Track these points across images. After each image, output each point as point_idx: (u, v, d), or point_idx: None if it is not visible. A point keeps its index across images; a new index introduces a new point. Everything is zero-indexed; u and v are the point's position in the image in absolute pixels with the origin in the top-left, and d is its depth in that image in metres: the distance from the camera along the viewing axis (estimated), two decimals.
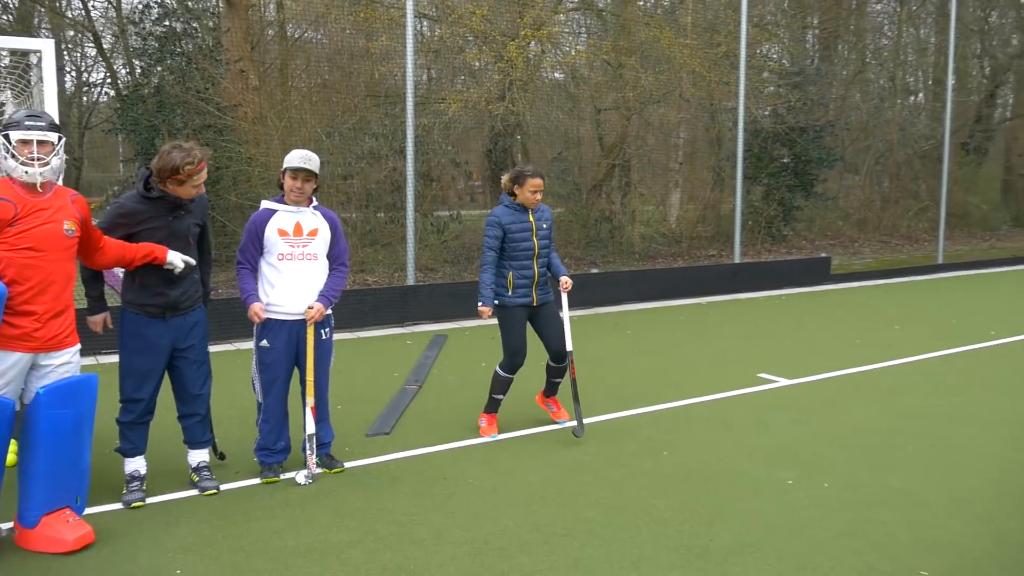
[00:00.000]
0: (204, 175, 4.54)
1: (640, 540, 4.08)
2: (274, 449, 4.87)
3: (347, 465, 5.07)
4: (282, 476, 4.86)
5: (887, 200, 21.58)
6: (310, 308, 4.77)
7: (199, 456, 4.81)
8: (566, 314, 5.86)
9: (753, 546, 4.01)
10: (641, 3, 17.59)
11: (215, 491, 4.65)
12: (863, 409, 6.39)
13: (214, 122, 12.19)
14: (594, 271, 12.86)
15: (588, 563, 3.84)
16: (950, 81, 16.72)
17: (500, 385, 5.84)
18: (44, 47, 4.94)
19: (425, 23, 15.52)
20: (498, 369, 5.85)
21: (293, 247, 4.76)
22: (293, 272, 4.76)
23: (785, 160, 17.63)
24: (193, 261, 4.57)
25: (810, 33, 21.96)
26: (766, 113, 17.15)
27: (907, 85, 24.08)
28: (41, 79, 5.11)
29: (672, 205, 17.84)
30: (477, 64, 14.49)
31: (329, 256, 4.94)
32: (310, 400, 4.82)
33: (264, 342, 4.78)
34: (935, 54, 23.54)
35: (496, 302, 5.69)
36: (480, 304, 5.66)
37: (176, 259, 4.45)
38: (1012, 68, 24.71)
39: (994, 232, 22.48)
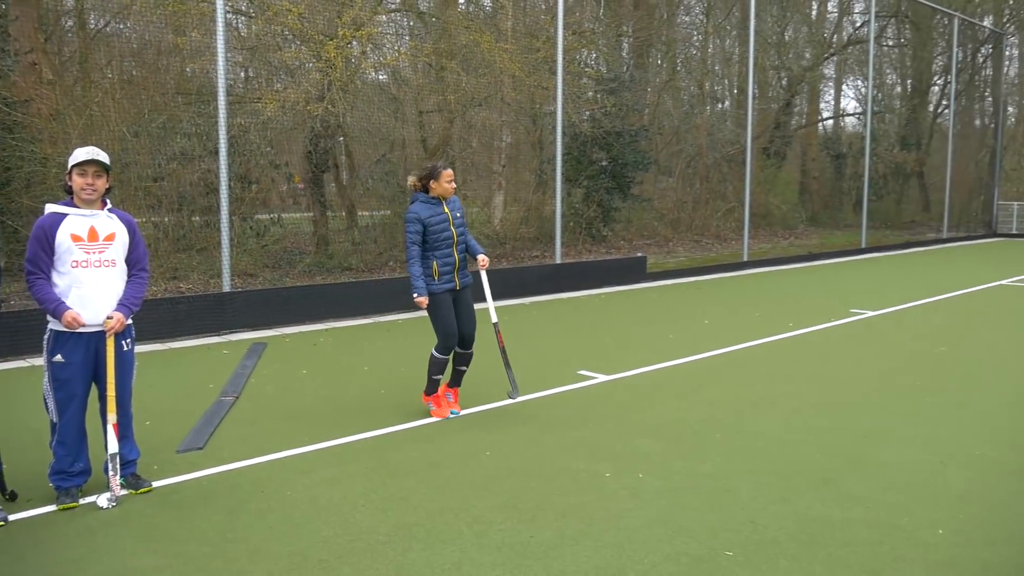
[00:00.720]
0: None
1: (462, 541, 4.08)
2: (71, 472, 4.50)
3: (155, 484, 4.77)
4: (82, 500, 4.51)
5: (698, 201, 22.81)
6: (109, 318, 4.45)
7: None
8: (487, 288, 6.37)
9: (572, 539, 4.10)
10: (462, 6, 17.70)
11: (3, 523, 4.24)
12: (676, 401, 6.69)
13: (2, 119, 11.21)
14: None
15: (411, 568, 3.80)
16: (751, 90, 17.88)
17: (437, 367, 6.21)
18: None
19: (241, 19, 14.92)
20: (434, 352, 6.19)
21: (89, 253, 4.42)
22: (89, 280, 4.42)
23: (603, 163, 18.27)
24: None
25: (625, 41, 22.86)
26: (584, 117, 17.70)
27: (714, 93, 25.58)
28: None
29: (496, 207, 18.07)
30: (295, 63, 14.09)
31: (128, 261, 4.63)
32: (112, 417, 4.49)
33: (58, 357, 4.40)
34: (738, 65, 25.12)
35: (418, 292, 6.03)
36: (416, 295, 6.00)
37: None
38: (805, 79, 26.76)
39: (792, 230, 24.27)
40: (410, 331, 9.84)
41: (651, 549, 4.00)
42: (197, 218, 12.82)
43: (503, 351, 6.38)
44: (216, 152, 11.88)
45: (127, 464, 4.67)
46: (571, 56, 17.33)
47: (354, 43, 13.87)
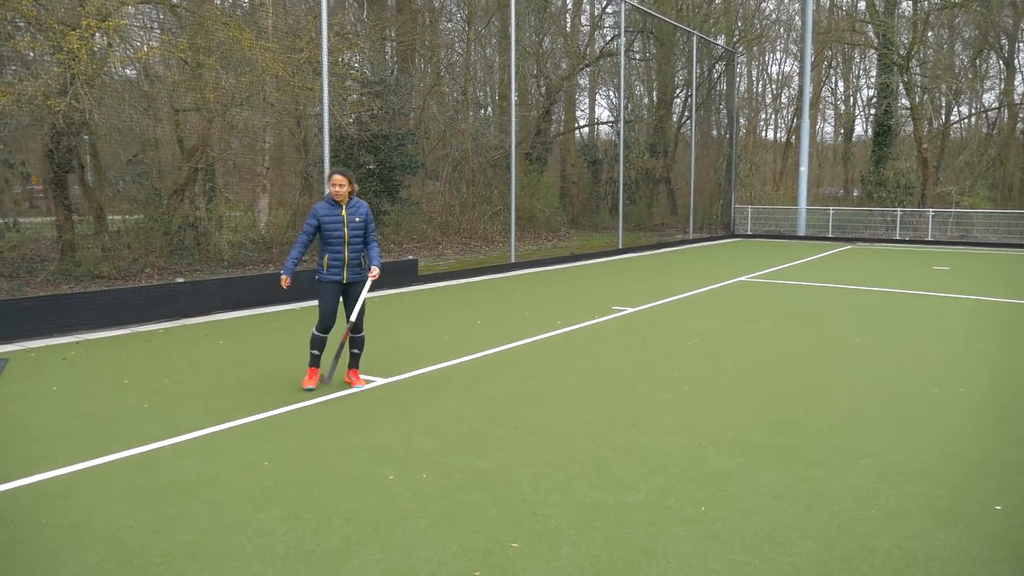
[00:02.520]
0: None
1: (244, 556, 3.95)
2: None
3: None
4: None
5: (465, 205, 23.30)
6: None
7: None
8: (364, 294, 7.15)
9: (359, 544, 4.09)
10: (219, 2, 16.95)
11: None
12: (453, 400, 6.82)
13: None
14: (179, 280, 12.14)
15: None
16: (513, 97, 18.53)
17: (318, 343, 7.14)
18: None
19: None
20: (314, 330, 7.11)
21: None
22: None
23: (371, 166, 18.21)
24: None
25: (388, 45, 22.92)
26: (351, 120, 17.55)
27: (478, 99, 26.22)
28: None
29: (261, 210, 17.47)
30: (31, 54, 12.87)
31: None
32: None
33: None
34: (500, 72, 25.94)
35: (316, 277, 7.05)
36: (282, 273, 7.04)
37: None
38: (563, 88, 28.11)
39: (555, 233, 25.42)
40: (174, 340, 9.30)
41: (439, 548, 4.06)
42: None
43: (342, 345, 7.33)
44: None
45: None
46: (335, 58, 17.12)
47: (99, 35, 12.89)
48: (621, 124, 23.19)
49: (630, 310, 11.75)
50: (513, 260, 17.81)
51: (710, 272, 17.24)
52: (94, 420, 6.14)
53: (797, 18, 40.43)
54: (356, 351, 7.31)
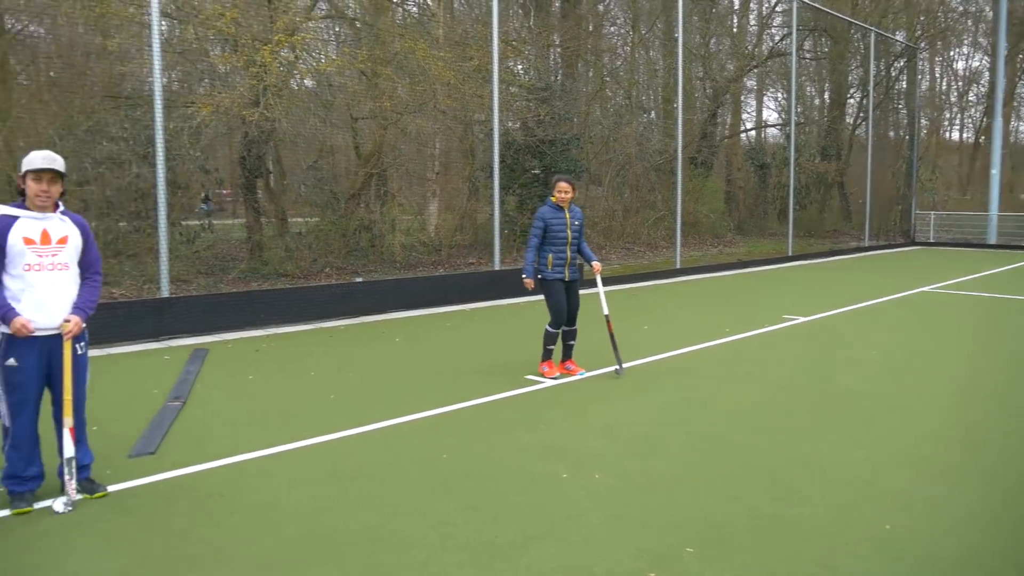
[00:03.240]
0: None
1: (428, 542, 4.12)
2: (25, 476, 4.41)
3: (110, 488, 4.70)
4: (36, 505, 4.43)
5: (628, 210, 23.19)
6: (67, 322, 4.38)
7: None
8: (600, 288, 8.12)
9: (535, 538, 4.18)
10: (392, 14, 17.68)
11: None
12: (623, 403, 6.84)
13: None
14: (358, 280, 12.76)
15: (379, 569, 3.83)
16: (679, 100, 18.31)
17: (550, 339, 7.76)
18: None
19: (166, 23, 14.62)
20: (547, 327, 7.75)
21: (41, 256, 4.34)
22: (42, 283, 4.34)
23: (536, 171, 18.45)
24: None
25: (553, 51, 23.15)
26: (517, 126, 17.87)
27: (641, 103, 26.06)
28: None
29: (431, 214, 18.08)
30: (223, 68, 13.89)
31: (81, 265, 4.56)
32: (68, 421, 4.42)
33: (11, 361, 4.31)
34: (663, 75, 25.67)
35: (539, 276, 7.63)
36: (524, 276, 7.64)
37: None
38: (729, 90, 27.49)
39: (721, 239, 24.87)
40: (354, 336, 9.81)
41: (613, 547, 4.09)
42: (124, 223, 12.53)
43: (612, 336, 8.03)
44: (146, 157, 11.66)
45: (82, 468, 4.59)
46: (502, 65, 17.49)
47: (287, 49, 13.75)
48: (791, 126, 22.45)
49: (802, 319, 11.36)
50: (678, 266, 17.59)
51: (889, 281, 16.38)
52: (286, 408, 6.58)
53: (988, 9, 37.73)
54: (572, 342, 7.93)
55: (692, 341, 9.60)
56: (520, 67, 20.47)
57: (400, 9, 18.19)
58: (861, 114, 29.65)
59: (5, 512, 4.37)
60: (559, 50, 23.03)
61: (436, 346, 9.35)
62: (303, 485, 4.87)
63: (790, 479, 5.05)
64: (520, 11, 22.16)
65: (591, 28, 25.01)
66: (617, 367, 7.84)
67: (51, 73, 13.16)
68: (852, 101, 31.10)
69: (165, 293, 9.73)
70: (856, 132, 30.39)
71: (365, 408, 6.58)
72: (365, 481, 4.95)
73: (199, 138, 13.43)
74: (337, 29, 18.01)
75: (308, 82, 15.65)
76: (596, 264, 7.74)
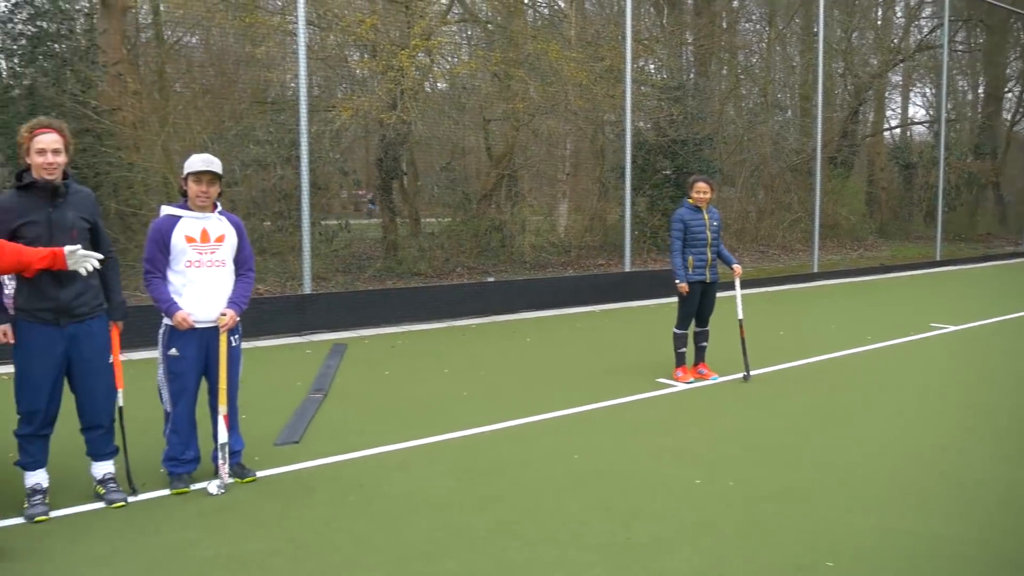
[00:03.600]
0: (49, 141, 4.23)
1: (560, 541, 4.14)
2: (183, 459, 4.72)
3: (258, 474, 4.95)
4: (192, 486, 4.73)
5: (762, 211, 22.57)
6: (223, 315, 4.66)
7: (104, 468, 4.63)
8: (739, 292, 7.91)
9: (668, 542, 4.13)
10: (526, 16, 17.84)
11: (123, 503, 4.49)
12: (757, 410, 6.67)
13: (92, 126, 11.63)
14: (490, 279, 12.95)
15: (512, 565, 3.87)
16: (819, 97, 17.68)
17: (680, 342, 7.66)
18: None
19: (310, 30, 15.24)
20: (675, 329, 7.66)
21: (201, 254, 4.62)
22: (202, 279, 4.63)
23: (667, 172, 18.21)
24: (98, 257, 4.26)
25: (686, 49, 22.78)
26: (648, 126, 17.68)
27: (777, 101, 25.28)
28: None
29: (560, 215, 18.13)
30: (361, 73, 14.37)
31: (236, 261, 4.83)
32: (222, 408, 4.70)
33: (173, 351, 4.62)
34: (801, 72, 24.82)
35: (676, 281, 7.47)
36: (677, 281, 7.47)
37: (78, 259, 4.19)
38: (872, 86, 26.30)
39: (862, 242, 23.83)
40: (485, 335, 9.97)
41: (749, 556, 3.99)
42: (268, 223, 13.15)
43: (743, 342, 7.80)
44: (289, 159, 12.20)
45: (234, 454, 4.86)
46: (634, 64, 17.33)
47: (423, 53, 14.09)
48: (941, 123, 21.31)
49: (952, 328, 10.74)
50: (815, 270, 16.99)
51: None
52: (421, 403, 6.76)
53: None
54: (704, 344, 7.82)
55: (830, 348, 9.25)
56: (652, 66, 20.26)
57: (531, 11, 18.36)
58: (1021, 109, 27.81)
59: (165, 491, 4.69)
60: (692, 48, 22.66)
61: (566, 346, 9.39)
62: (438, 479, 4.99)
63: (935, 497, 4.78)
64: (652, 9, 21.91)
65: (725, 25, 24.48)
66: (745, 373, 7.68)
67: (204, 81, 13.96)
68: (1010, 95, 29.19)
69: (307, 290, 10.17)
70: (1015, 128, 28.51)
71: (497, 406, 6.67)
72: (497, 477, 5.02)
73: (339, 141, 13.94)
74: (470, 32, 18.35)
75: (441, 85, 16.01)
76: (737, 267, 7.67)
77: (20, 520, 4.28)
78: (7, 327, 4.33)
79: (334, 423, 6.15)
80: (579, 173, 18.89)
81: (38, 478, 4.41)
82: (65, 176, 4.34)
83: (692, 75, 21.38)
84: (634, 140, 16.31)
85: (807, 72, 23.92)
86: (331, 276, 12.96)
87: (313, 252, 12.69)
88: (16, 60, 12.07)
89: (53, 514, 4.35)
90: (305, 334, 9.71)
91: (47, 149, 4.21)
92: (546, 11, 19.17)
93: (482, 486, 4.87)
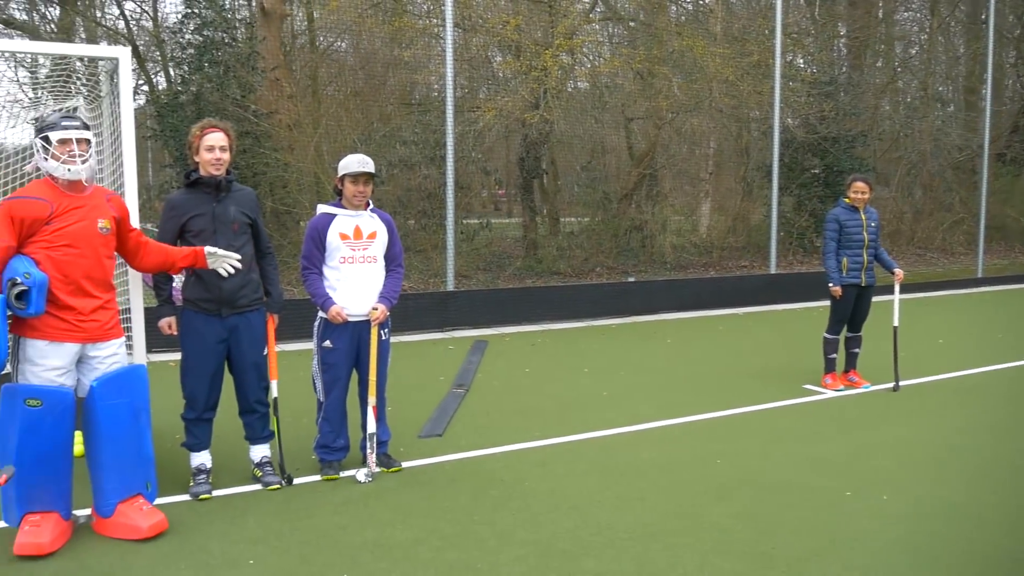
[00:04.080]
0: (217, 139, 4.55)
1: (702, 546, 4.06)
2: (334, 447, 4.92)
3: (404, 465, 5.11)
4: (341, 474, 4.92)
5: (919, 212, 21.38)
6: (375, 309, 4.83)
7: (261, 452, 4.91)
8: (897, 297, 7.49)
9: (816, 554, 3.97)
10: (672, 13, 17.58)
11: (278, 486, 4.74)
12: (913, 422, 6.33)
13: (252, 129, 12.30)
14: (630, 280, 12.86)
15: (653, 567, 3.83)
16: (988, 90, 16.58)
17: (830, 347, 7.39)
18: (121, 55, 4.96)
19: (456, 32, 15.56)
20: (825, 334, 7.43)
21: (354, 250, 4.81)
22: (354, 274, 4.82)
23: (816, 170, 17.53)
24: (236, 258, 4.51)
25: (838, 42, 21.85)
26: (796, 123, 17.06)
27: (939, 94, 23.86)
28: (115, 86, 5.15)
29: (702, 215, 17.78)
30: (503, 73, 14.55)
31: (386, 257, 4.99)
32: (372, 400, 4.87)
33: (327, 343, 4.83)
34: (968, 63, 23.34)
35: (830, 284, 7.26)
36: (830, 285, 7.22)
37: (218, 259, 4.45)
38: None
39: None
40: (625, 336, 9.90)
41: (901, 574, 3.80)
42: (412, 221, 13.52)
43: (896, 350, 7.48)
44: (433, 159, 12.50)
45: (381, 444, 5.03)
46: (783, 59, 16.77)
47: (565, 53, 14.12)
48: None
49: None
50: (980, 275, 15.94)
51: None
52: (562, 401, 6.79)
53: None
54: (856, 350, 7.52)
55: (994, 359, 8.65)
56: (801, 60, 19.54)
57: (675, 6, 18.07)
58: None
59: (316, 477, 4.91)
60: (845, 40, 21.72)
61: (708, 349, 9.20)
62: (578, 477, 4.99)
63: None
64: (803, 1, 21.15)
65: (881, 15, 23.33)
66: (895, 383, 7.33)
67: (354, 84, 14.50)
68: None
69: (450, 287, 10.40)
70: None
71: (637, 407, 6.61)
72: (638, 479, 4.97)
73: (482, 141, 14.18)
74: (612, 30, 18.25)
75: (583, 84, 16.00)
76: (899, 271, 7.33)
77: (186, 497, 4.59)
78: (171, 319, 4.65)
79: (476, 418, 6.27)
80: (722, 172, 18.46)
81: (202, 459, 4.73)
82: (228, 174, 4.63)
83: (845, 69, 20.47)
84: (781, 137, 15.81)
85: (973, 63, 22.48)
86: (472, 274, 13.19)
87: (455, 250, 13.03)
88: (184, 68, 12.92)
89: (215, 493, 4.65)
90: (447, 330, 9.93)
91: (215, 146, 4.54)
92: (690, 7, 18.84)
93: (622, 486, 4.84)
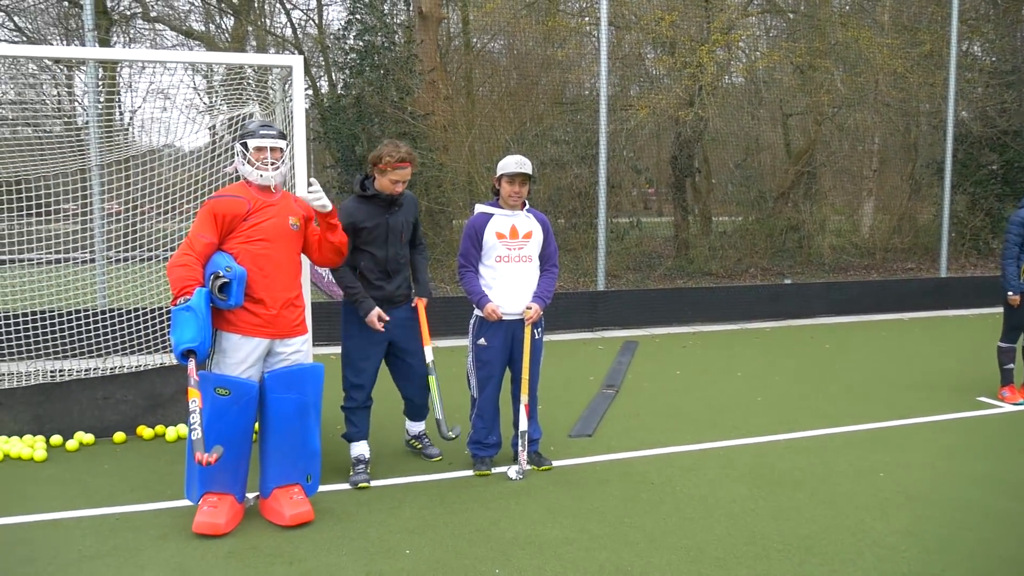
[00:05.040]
0: (405, 174, 4.78)
1: (863, 563, 3.89)
2: (486, 443, 5.03)
3: (554, 463, 5.15)
4: (493, 470, 5.02)
5: None
6: (529, 308, 4.90)
7: (418, 427, 5.29)
8: None
9: None
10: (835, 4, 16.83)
11: (439, 457, 5.10)
12: None
13: (409, 130, 12.69)
14: (787, 282, 12.45)
15: None
16: None
17: (1006, 357, 6.85)
18: (294, 63, 5.26)
19: (608, 30, 15.49)
20: (1000, 343, 6.87)
21: (510, 249, 4.89)
22: (510, 273, 4.90)
23: (994, 167, 16.36)
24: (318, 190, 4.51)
25: (1022, 28, 20.28)
26: (972, 116, 15.98)
27: None
28: (287, 93, 5.47)
29: (864, 215, 16.95)
30: (656, 70, 14.36)
31: (541, 257, 5.05)
32: (524, 398, 4.94)
33: (482, 340, 4.94)
34: None
35: (1009, 293, 6.64)
36: (1010, 293, 6.63)
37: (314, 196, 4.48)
38: None
39: None
40: (780, 340, 9.59)
41: None
42: (562, 220, 13.56)
43: None
44: (584, 158, 12.51)
45: (532, 442, 5.11)
46: (958, 48, 15.73)
47: (721, 48, 13.79)
48: None
49: None
50: None
51: None
52: (714, 405, 6.66)
53: None
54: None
55: None
56: (979, 48, 18.26)
57: None
58: None
59: (469, 472, 5.03)
60: None
61: (870, 356, 8.77)
62: (731, 483, 4.88)
63: None
64: None
65: None
66: None
67: (507, 84, 14.69)
68: None
69: (601, 287, 10.39)
70: None
71: (793, 414, 6.40)
72: (794, 489, 4.82)
73: (634, 139, 14.06)
74: (770, 23, 17.66)
75: (739, 79, 15.58)
76: None
77: (346, 486, 4.80)
78: (379, 310, 4.82)
79: (626, 419, 6.24)
80: (887, 169, 17.52)
81: (361, 449, 4.94)
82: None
83: None
84: (955, 132, 14.87)
85: None
86: (622, 274, 13.12)
87: (606, 249, 12.99)
88: (347, 72, 13.49)
89: (373, 483, 4.84)
90: (597, 330, 9.93)
91: (400, 180, 4.79)
92: None
93: (778, 496, 4.70)
